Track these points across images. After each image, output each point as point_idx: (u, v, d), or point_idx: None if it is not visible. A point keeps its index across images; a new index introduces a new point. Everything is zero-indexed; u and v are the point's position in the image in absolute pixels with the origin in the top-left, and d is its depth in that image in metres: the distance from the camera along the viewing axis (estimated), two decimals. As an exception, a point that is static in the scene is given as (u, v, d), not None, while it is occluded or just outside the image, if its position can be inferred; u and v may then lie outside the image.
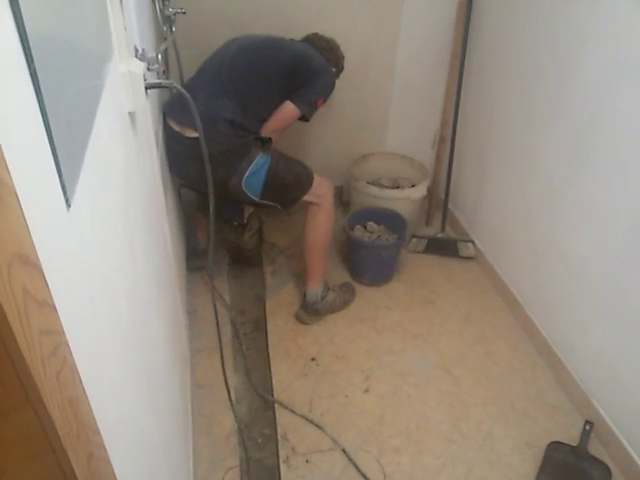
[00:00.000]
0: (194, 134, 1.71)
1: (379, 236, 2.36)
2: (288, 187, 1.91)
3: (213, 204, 1.38)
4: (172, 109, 1.81)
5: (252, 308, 2.23)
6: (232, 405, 1.76)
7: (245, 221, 2.27)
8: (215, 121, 1.71)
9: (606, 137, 1.59)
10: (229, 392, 1.72)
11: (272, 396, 1.83)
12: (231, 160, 1.78)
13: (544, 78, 1.87)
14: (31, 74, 0.47)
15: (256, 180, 1.83)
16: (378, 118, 2.68)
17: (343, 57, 2.12)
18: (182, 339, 1.78)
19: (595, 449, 1.67)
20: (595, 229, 1.67)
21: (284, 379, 1.89)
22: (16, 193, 0.39)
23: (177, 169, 1.91)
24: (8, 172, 0.38)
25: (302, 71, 1.86)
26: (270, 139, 1.87)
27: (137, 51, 1.19)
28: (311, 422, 1.74)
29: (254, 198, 1.88)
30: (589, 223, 1.70)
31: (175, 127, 1.77)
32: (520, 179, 2.08)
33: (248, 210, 2.26)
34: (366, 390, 1.86)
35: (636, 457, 1.56)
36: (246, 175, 1.80)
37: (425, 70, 2.55)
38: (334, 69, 2.03)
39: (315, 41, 2.03)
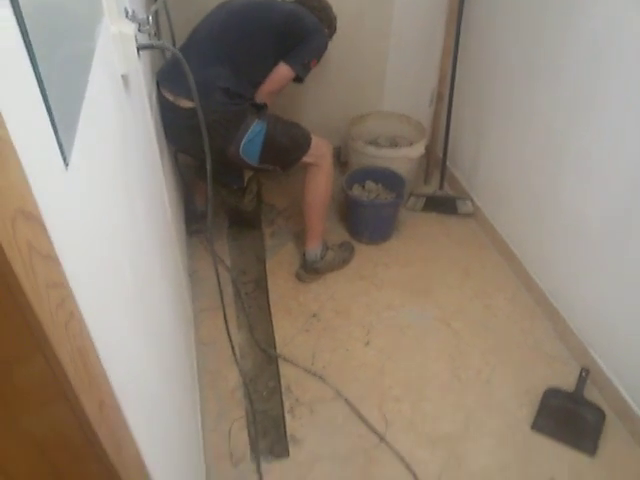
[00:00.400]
0: (189, 104, 1.70)
1: (377, 195, 2.37)
2: (286, 150, 1.91)
3: (210, 171, 1.39)
4: (166, 79, 1.79)
5: (252, 268, 2.26)
6: (237, 360, 1.81)
7: (245, 185, 2.28)
8: (210, 90, 1.69)
9: (606, 90, 1.57)
10: (233, 348, 1.76)
11: (275, 351, 1.87)
12: (228, 129, 1.78)
13: (544, 31, 1.83)
14: (22, 34, 0.47)
15: (254, 146, 1.82)
16: (375, 76, 2.65)
17: (335, 18, 2.09)
18: (185, 298, 1.81)
19: (591, 395, 1.72)
20: (594, 182, 1.68)
21: (286, 335, 1.93)
22: (14, 148, 0.40)
23: (173, 139, 1.90)
24: (6, 129, 0.39)
25: (294, 32, 1.84)
26: (265, 105, 1.86)
27: (127, 12, 1.18)
28: (314, 374, 1.79)
29: (253, 163, 1.88)
30: (588, 176, 1.70)
31: (169, 97, 1.75)
32: (519, 134, 2.07)
33: (247, 174, 2.27)
34: (367, 343, 1.91)
35: (630, 400, 1.62)
36: (243, 142, 1.80)
37: (422, 25, 2.51)
38: (326, 30, 2.00)
39: (307, 1, 1.99)
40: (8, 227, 0.37)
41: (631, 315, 1.59)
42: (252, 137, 1.80)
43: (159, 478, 0.78)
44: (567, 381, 1.77)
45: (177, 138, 1.89)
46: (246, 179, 2.29)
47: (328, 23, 2.03)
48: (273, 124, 1.84)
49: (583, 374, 1.73)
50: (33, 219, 0.42)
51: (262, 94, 1.87)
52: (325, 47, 1.94)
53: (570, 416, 1.67)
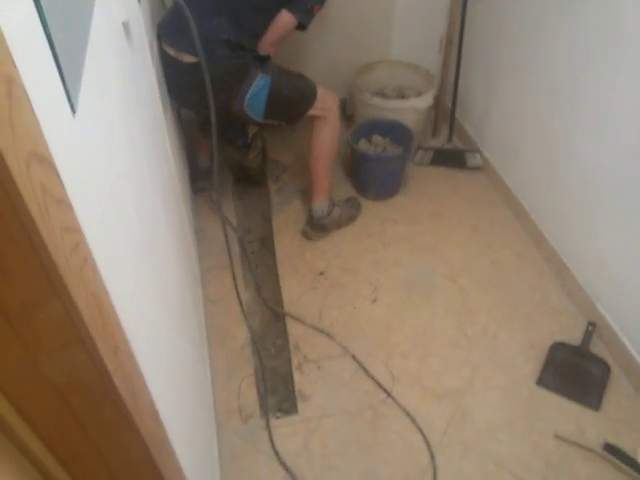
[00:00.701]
0: (191, 59, 1.65)
1: (384, 149, 2.34)
2: (292, 104, 1.88)
3: (215, 127, 1.36)
4: (167, 33, 1.74)
5: (258, 227, 2.26)
6: (245, 318, 1.83)
7: (249, 141, 2.25)
8: (211, 44, 1.62)
9: (619, 37, 1.52)
10: (242, 306, 1.78)
11: (282, 309, 1.89)
12: (231, 84, 1.74)
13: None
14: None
15: (258, 101, 1.78)
16: (381, 22, 2.56)
17: None
18: (192, 255, 1.81)
19: (597, 349, 1.74)
20: (608, 134, 1.64)
21: (293, 293, 1.95)
22: (26, 92, 0.39)
23: (176, 95, 1.86)
24: (17, 70, 0.38)
25: None
26: (269, 57, 1.81)
27: (126, -44, 1.14)
28: (321, 331, 1.81)
29: (258, 119, 1.85)
30: (601, 128, 1.67)
31: (171, 52, 1.71)
32: (532, 83, 2.02)
33: (252, 129, 2.23)
34: (374, 300, 1.92)
35: (635, 354, 1.63)
36: (247, 97, 1.76)
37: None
38: None
39: None
40: (23, 169, 0.37)
41: (638, 267, 1.59)
42: (256, 91, 1.76)
43: (172, 427, 0.80)
44: (574, 336, 1.78)
45: (180, 93, 1.86)
46: (250, 135, 2.26)
47: None
48: (277, 77, 1.80)
49: (589, 328, 1.75)
50: (46, 163, 0.41)
51: (265, 44, 1.83)
52: None
53: (575, 370, 1.69)
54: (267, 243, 2.18)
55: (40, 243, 0.39)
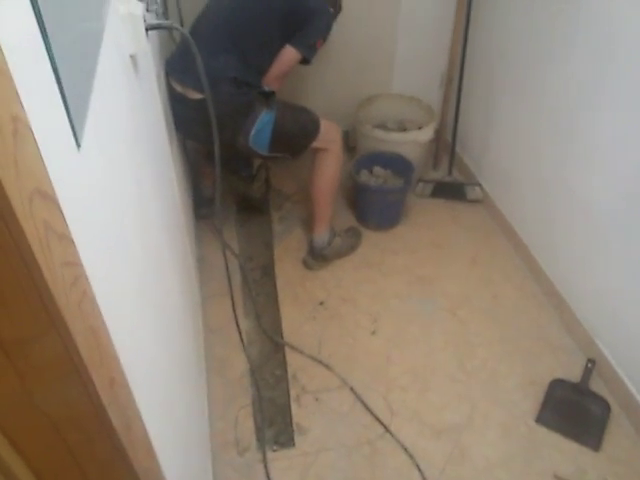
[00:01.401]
0: (198, 96, 1.69)
1: (385, 180, 2.36)
2: (296, 138, 1.91)
3: (219, 159, 1.38)
4: (174, 69, 1.78)
5: (260, 254, 2.26)
6: (244, 347, 1.82)
7: (254, 172, 2.28)
8: (218, 81, 1.66)
9: (614, 74, 1.56)
10: (241, 335, 1.77)
11: (282, 339, 1.88)
12: (236, 120, 1.77)
13: (554, 14, 1.81)
14: (37, 18, 0.48)
15: (263, 136, 1.82)
16: (383, 57, 2.62)
17: None
18: (193, 283, 1.82)
19: (596, 386, 1.72)
20: (602, 168, 1.66)
21: (293, 323, 1.94)
22: (31, 130, 0.40)
23: (182, 129, 1.90)
24: (23, 109, 0.39)
25: (299, 13, 1.82)
26: (273, 93, 1.85)
27: (136, -9, 1.17)
28: (320, 362, 1.80)
29: (263, 153, 1.88)
30: (596, 162, 1.69)
31: (178, 88, 1.75)
32: (528, 119, 2.06)
33: (257, 161, 2.26)
34: (373, 332, 1.91)
35: (635, 393, 1.61)
36: (252, 133, 1.80)
37: (431, 6, 2.47)
38: (331, 9, 1.98)
39: None
40: (26, 206, 0.37)
41: (638, 304, 1.58)
42: (261, 127, 1.80)
43: (166, 459, 0.79)
44: (573, 372, 1.76)
45: (186, 128, 1.90)
46: (255, 166, 2.29)
47: (333, 3, 2.01)
48: (282, 112, 1.84)
49: (589, 365, 1.73)
50: (49, 198, 0.42)
51: (270, 78, 1.86)
52: (330, 27, 1.92)
53: (575, 408, 1.67)
54: (268, 271, 2.18)
55: (40, 278, 0.40)
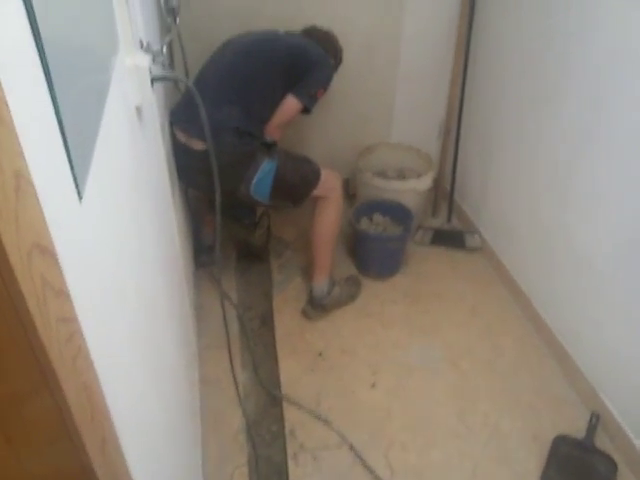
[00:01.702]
0: (201, 146, 1.72)
1: (385, 228, 2.37)
2: (296, 187, 1.93)
3: (219, 207, 1.39)
4: (178, 119, 1.82)
5: (259, 304, 2.24)
6: (240, 401, 1.78)
7: (257, 219, 2.30)
8: (221, 132, 1.69)
9: (611, 125, 1.58)
10: (237, 388, 1.73)
11: (280, 392, 1.84)
12: (238, 170, 1.80)
13: (549, 66, 1.86)
14: (45, 72, 0.48)
15: (264, 185, 1.84)
16: (383, 108, 2.68)
17: (341, 49, 2.12)
18: (190, 335, 1.79)
19: (601, 442, 1.67)
20: (601, 218, 1.67)
21: (291, 375, 1.90)
22: (34, 186, 0.40)
23: (185, 177, 1.93)
24: (27, 166, 0.39)
25: (300, 64, 1.87)
26: (275, 143, 1.88)
27: (142, 44, 1.20)
28: (318, 418, 1.75)
29: (264, 201, 1.90)
30: (595, 212, 1.70)
31: (182, 138, 1.78)
32: (526, 167, 2.08)
33: (259, 209, 2.28)
34: (373, 385, 1.87)
35: (643, 449, 1.57)
36: (254, 182, 1.82)
37: (430, 59, 2.55)
38: (332, 61, 2.04)
39: (313, 33, 2.04)
40: (24, 261, 0.37)
41: (642, 358, 1.56)
42: (262, 176, 1.82)
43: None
44: (577, 426, 1.72)
45: (189, 177, 1.92)
46: (258, 214, 2.31)
47: (334, 54, 2.07)
48: (283, 162, 1.86)
49: (593, 420, 1.69)
50: (48, 253, 0.42)
51: (271, 127, 1.90)
52: (331, 77, 1.97)
53: (580, 467, 1.61)
54: (267, 321, 2.16)
55: (34, 334, 0.39)
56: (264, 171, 1.82)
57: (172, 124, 1.82)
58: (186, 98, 1.86)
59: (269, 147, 1.85)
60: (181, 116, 1.82)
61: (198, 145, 1.74)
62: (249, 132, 1.80)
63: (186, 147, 1.77)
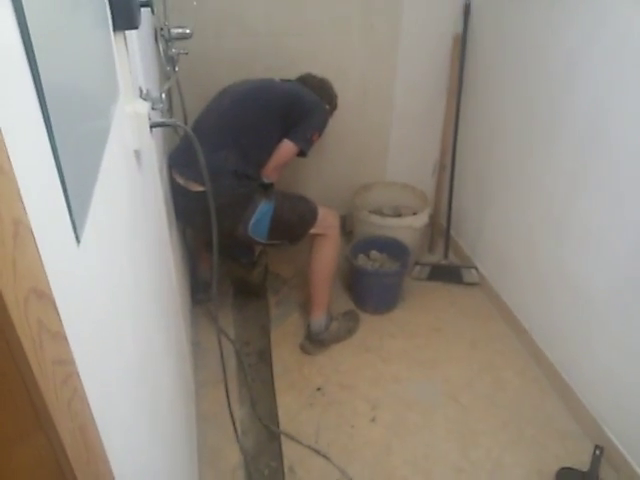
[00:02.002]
0: (199, 188, 1.76)
1: (382, 264, 2.38)
2: (294, 226, 1.96)
3: (216, 247, 1.42)
4: (177, 163, 1.85)
5: (257, 339, 2.24)
6: (238, 437, 1.76)
7: (255, 258, 2.32)
8: (218, 174, 1.72)
9: (605, 160, 1.62)
10: (235, 424, 1.72)
11: (278, 427, 1.82)
12: (236, 211, 1.83)
13: (541, 104, 1.91)
14: (45, 119, 0.50)
15: (262, 226, 1.87)
16: (378, 148, 2.74)
17: (336, 96, 2.18)
18: (187, 371, 1.78)
19: (606, 474, 1.65)
20: (597, 253, 1.69)
21: (290, 410, 1.89)
22: (32, 231, 0.42)
23: (183, 219, 1.96)
24: (25, 211, 0.41)
25: (296, 110, 1.92)
26: (272, 184, 1.91)
27: (142, 91, 1.23)
28: (318, 453, 1.73)
29: (262, 241, 1.93)
30: (591, 247, 1.71)
31: (180, 181, 1.82)
32: (521, 205, 2.11)
33: (258, 247, 2.30)
34: (372, 419, 1.86)
35: (648, 482, 1.55)
36: (251, 223, 1.85)
37: (423, 101, 2.61)
38: (327, 106, 2.09)
39: (308, 80, 2.10)
40: (21, 306, 0.38)
41: (643, 390, 1.55)
42: (260, 217, 1.85)
43: None
44: (580, 459, 1.70)
45: (187, 218, 1.95)
46: (257, 252, 2.33)
47: (329, 100, 2.12)
48: (280, 203, 1.89)
49: (597, 452, 1.67)
50: (45, 297, 0.43)
51: (268, 170, 1.94)
52: (326, 122, 2.02)
53: (586, 499, 1.59)
54: (265, 356, 2.15)
55: (30, 377, 0.40)
56: (262, 212, 1.85)
57: (170, 167, 1.85)
58: (185, 143, 1.90)
59: (266, 188, 1.89)
60: (179, 160, 1.85)
61: (196, 187, 1.77)
62: (247, 175, 1.84)
63: (184, 189, 1.81)
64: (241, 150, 1.84)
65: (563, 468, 1.66)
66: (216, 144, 1.81)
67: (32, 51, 0.47)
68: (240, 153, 1.84)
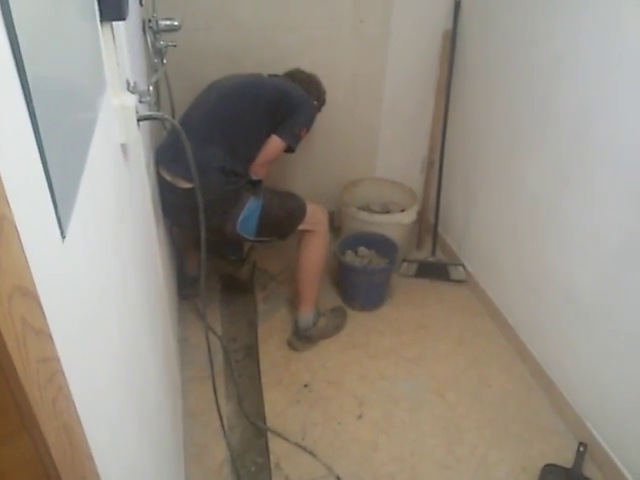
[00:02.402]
0: (187, 185, 1.74)
1: (370, 261, 2.39)
2: (282, 223, 1.95)
3: (204, 244, 1.40)
4: (164, 159, 1.83)
5: (244, 335, 2.23)
6: (224, 434, 1.75)
7: (244, 255, 2.31)
8: (206, 171, 1.70)
9: (590, 160, 1.63)
10: (222, 420, 1.71)
11: (265, 424, 1.82)
12: (224, 208, 1.82)
13: (528, 104, 1.92)
14: (29, 112, 0.49)
15: (250, 223, 1.86)
16: (367, 145, 2.74)
17: (324, 91, 2.18)
18: (173, 367, 1.77)
19: (590, 471, 1.67)
20: (580, 251, 1.70)
21: (276, 406, 1.88)
22: (16, 227, 0.41)
23: (171, 216, 1.94)
24: (9, 207, 0.40)
25: (284, 106, 1.91)
26: (260, 181, 1.90)
27: (129, 84, 1.22)
28: (304, 449, 1.73)
29: (250, 238, 1.92)
30: (574, 245, 1.73)
31: (167, 177, 1.80)
32: (507, 203, 2.12)
33: (247, 244, 2.29)
34: (359, 416, 1.86)
35: (630, 478, 1.56)
36: (240, 219, 1.84)
37: (412, 98, 2.62)
38: (315, 102, 2.08)
39: (296, 75, 2.10)
40: (4, 304, 0.37)
41: (626, 386, 1.57)
42: (248, 214, 1.84)
43: None
44: (564, 456, 1.72)
45: (174, 215, 1.93)
46: (245, 249, 2.32)
47: (317, 95, 2.12)
48: (269, 200, 1.89)
49: (581, 449, 1.69)
50: (29, 295, 0.42)
51: (256, 166, 1.93)
52: (314, 118, 2.01)
53: (570, 495, 1.61)
54: (252, 352, 2.14)
55: (13, 376, 0.39)
56: (250, 209, 1.84)
57: (157, 163, 1.83)
58: (172, 138, 1.87)
59: (254, 185, 1.88)
60: (166, 156, 1.83)
61: (184, 184, 1.75)
62: (234, 171, 1.82)
63: (172, 186, 1.79)
64: (229, 146, 1.83)
65: (547, 465, 1.67)
66: (204, 140, 1.80)
67: (17, 42, 0.46)
68: (228, 149, 1.82)
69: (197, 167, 1.32)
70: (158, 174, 1.82)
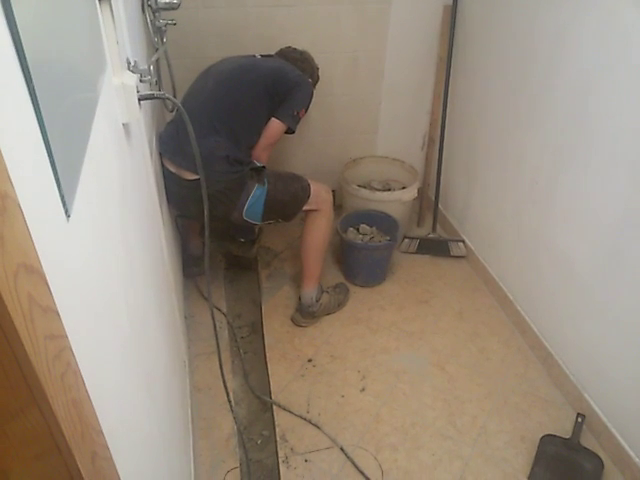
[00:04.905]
0: (192, 176, 1.74)
1: (372, 238, 2.39)
2: (287, 205, 1.96)
3: (207, 230, 1.42)
4: (166, 150, 1.82)
5: (248, 312, 2.26)
6: (231, 408, 1.79)
7: (255, 236, 2.33)
8: (210, 161, 1.70)
9: (589, 136, 1.62)
10: (228, 395, 1.74)
11: (270, 398, 1.85)
12: (230, 197, 1.83)
13: (528, 79, 1.90)
14: (30, 92, 0.49)
15: (256, 209, 1.88)
16: (368, 122, 2.72)
17: (318, 68, 2.16)
18: (180, 344, 1.80)
19: (587, 441, 1.70)
20: (581, 226, 1.71)
21: (281, 381, 1.92)
22: (20, 205, 0.42)
23: (177, 207, 1.95)
24: (12, 185, 0.40)
25: (281, 87, 1.89)
26: (264, 167, 1.90)
27: (129, 63, 1.21)
28: (309, 422, 1.76)
29: (257, 222, 1.94)
30: (575, 220, 1.73)
31: (171, 168, 1.80)
32: (507, 178, 2.12)
33: (256, 226, 2.31)
34: (362, 389, 1.89)
35: (627, 448, 1.59)
36: (245, 207, 1.85)
37: (413, 74, 2.59)
38: (310, 79, 2.06)
39: (288, 54, 2.07)
40: (10, 281, 0.38)
41: (623, 358, 1.59)
42: (254, 201, 1.86)
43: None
44: (563, 427, 1.75)
45: (181, 207, 1.95)
46: (256, 230, 2.35)
47: (310, 73, 2.10)
48: (273, 185, 1.89)
49: (579, 420, 1.72)
50: (35, 272, 0.43)
51: (258, 151, 1.94)
52: (311, 96, 2.00)
53: (567, 465, 1.64)
54: (256, 328, 2.17)
55: (21, 352, 0.40)
56: (255, 196, 1.85)
57: (161, 154, 1.83)
58: (173, 128, 1.86)
59: (258, 172, 1.88)
60: (169, 146, 1.82)
61: (189, 175, 1.76)
62: (238, 159, 1.82)
63: (177, 177, 1.79)
64: (231, 134, 1.82)
65: (546, 435, 1.70)
66: (205, 129, 1.79)
67: (14, 21, 0.46)
68: (230, 137, 1.82)
69: (201, 157, 1.32)
70: (163, 166, 1.82)
